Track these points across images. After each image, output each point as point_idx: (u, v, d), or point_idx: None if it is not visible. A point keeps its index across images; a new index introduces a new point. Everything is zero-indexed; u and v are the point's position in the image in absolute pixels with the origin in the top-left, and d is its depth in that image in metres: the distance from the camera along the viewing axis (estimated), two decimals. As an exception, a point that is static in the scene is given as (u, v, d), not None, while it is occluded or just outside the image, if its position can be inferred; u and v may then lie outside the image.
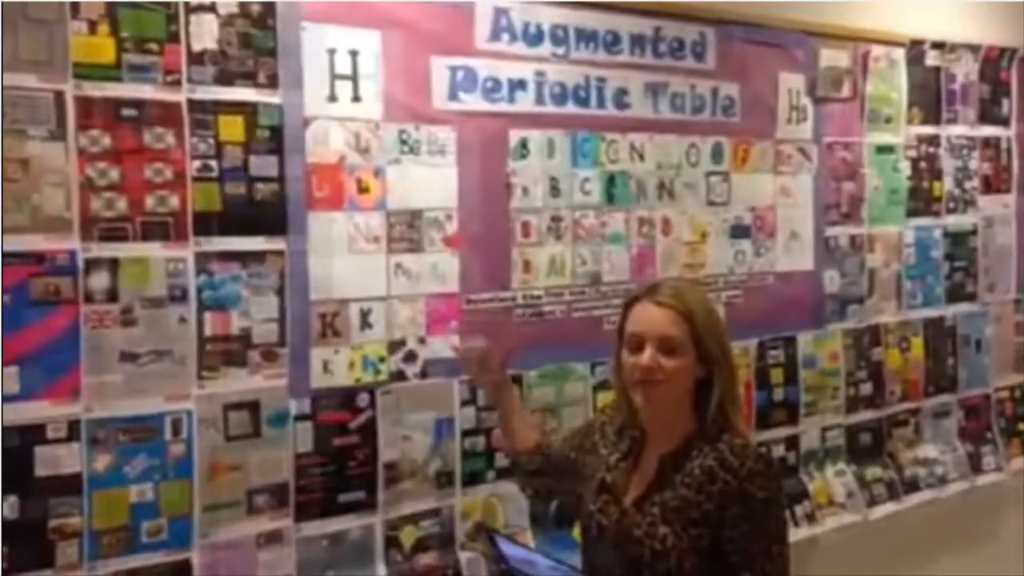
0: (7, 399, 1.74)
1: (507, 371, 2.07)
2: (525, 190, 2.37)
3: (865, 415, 3.12)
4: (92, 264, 1.82)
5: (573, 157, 2.45)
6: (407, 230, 2.20)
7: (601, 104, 2.49)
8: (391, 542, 2.18)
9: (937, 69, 3.25)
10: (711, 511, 1.60)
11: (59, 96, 1.78)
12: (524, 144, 2.36)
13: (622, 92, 2.52)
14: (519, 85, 2.35)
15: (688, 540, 1.60)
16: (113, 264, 1.84)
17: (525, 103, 2.36)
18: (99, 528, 1.84)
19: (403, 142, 2.18)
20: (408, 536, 2.21)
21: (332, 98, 2.09)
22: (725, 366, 1.69)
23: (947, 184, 3.30)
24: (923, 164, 3.23)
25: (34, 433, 1.77)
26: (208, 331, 1.95)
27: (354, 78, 2.11)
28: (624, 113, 2.53)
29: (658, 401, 1.66)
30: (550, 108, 2.40)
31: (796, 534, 2.77)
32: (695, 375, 1.66)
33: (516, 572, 1.80)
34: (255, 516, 2.01)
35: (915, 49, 3.17)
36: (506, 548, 1.87)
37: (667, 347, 1.63)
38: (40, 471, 1.78)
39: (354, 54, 2.10)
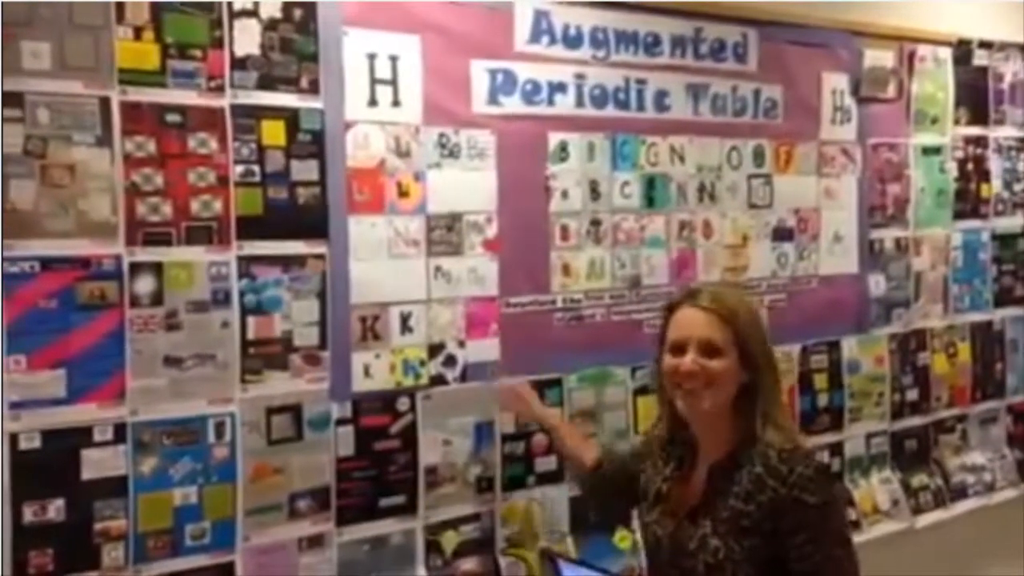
0: (55, 402, 1.76)
1: (539, 405, 2.25)
2: (564, 193, 2.36)
3: (911, 421, 3.07)
4: (137, 268, 1.83)
5: (613, 160, 2.43)
6: (447, 233, 2.19)
7: (641, 106, 2.47)
8: (432, 546, 2.18)
9: (984, 69, 3.20)
10: (762, 521, 1.56)
11: (104, 102, 1.79)
12: (563, 147, 2.35)
13: (662, 94, 2.50)
14: (559, 88, 2.33)
15: (742, 551, 1.57)
16: (157, 268, 1.85)
17: (565, 106, 2.35)
18: (144, 531, 1.85)
19: (443, 146, 2.18)
20: (449, 541, 2.20)
21: (372, 102, 2.09)
22: (768, 369, 1.66)
23: (995, 186, 3.25)
24: (970, 165, 3.18)
25: (81, 436, 1.79)
26: (251, 335, 1.96)
27: (394, 82, 2.11)
28: (664, 115, 2.51)
29: (702, 405, 1.63)
30: (590, 111, 2.39)
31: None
32: (739, 380, 1.64)
33: None
34: (297, 520, 2.01)
35: (962, 48, 3.12)
36: (568, 573, 1.84)
37: (709, 350, 1.62)
38: (87, 474, 1.79)
39: (394, 59, 2.10)
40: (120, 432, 1.82)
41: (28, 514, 1.74)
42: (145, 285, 1.84)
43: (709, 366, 1.61)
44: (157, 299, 1.85)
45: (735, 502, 1.59)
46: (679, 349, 1.65)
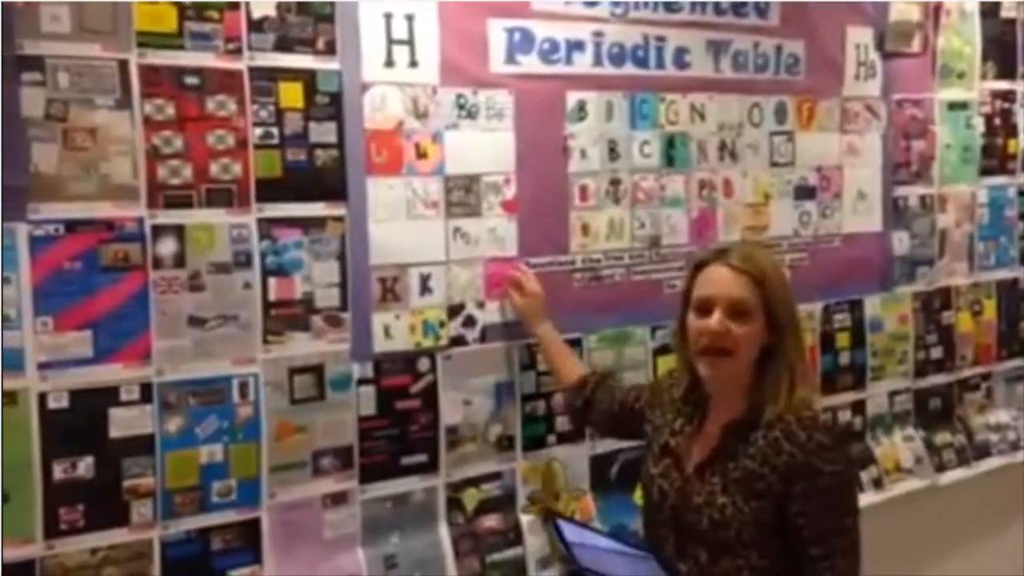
0: (82, 363, 1.79)
1: (540, 309, 2.20)
2: (583, 153, 2.35)
3: (935, 379, 3.05)
4: (159, 231, 1.85)
5: (632, 119, 2.41)
6: (465, 195, 2.19)
7: (660, 64, 2.44)
8: (453, 504, 2.21)
9: (1012, 22, 3.13)
10: (775, 483, 1.57)
11: (123, 65, 1.80)
12: (582, 106, 2.33)
13: (682, 51, 2.47)
14: (577, 46, 2.31)
15: (750, 512, 1.58)
16: (179, 231, 1.87)
17: (583, 64, 2.32)
18: (171, 488, 1.88)
19: (460, 106, 2.17)
20: (470, 498, 2.23)
21: (389, 63, 2.08)
22: (792, 334, 1.65)
23: (1022, 141, 3.19)
24: (997, 120, 3.13)
25: (108, 395, 1.82)
26: (272, 296, 1.97)
27: (411, 43, 2.10)
28: (684, 73, 2.48)
29: (724, 370, 1.63)
30: (608, 69, 2.36)
31: (862, 500, 2.68)
32: (762, 343, 1.63)
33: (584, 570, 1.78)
34: (321, 477, 2.04)
35: (989, 1, 3.04)
36: (571, 537, 1.84)
37: (738, 312, 1.60)
38: (114, 432, 1.83)
39: (410, 18, 2.09)
40: (146, 392, 1.85)
41: (58, 471, 1.78)
42: (167, 247, 1.86)
43: (736, 331, 1.60)
44: (180, 261, 1.87)
45: (749, 463, 1.59)
46: (706, 309, 1.63)
